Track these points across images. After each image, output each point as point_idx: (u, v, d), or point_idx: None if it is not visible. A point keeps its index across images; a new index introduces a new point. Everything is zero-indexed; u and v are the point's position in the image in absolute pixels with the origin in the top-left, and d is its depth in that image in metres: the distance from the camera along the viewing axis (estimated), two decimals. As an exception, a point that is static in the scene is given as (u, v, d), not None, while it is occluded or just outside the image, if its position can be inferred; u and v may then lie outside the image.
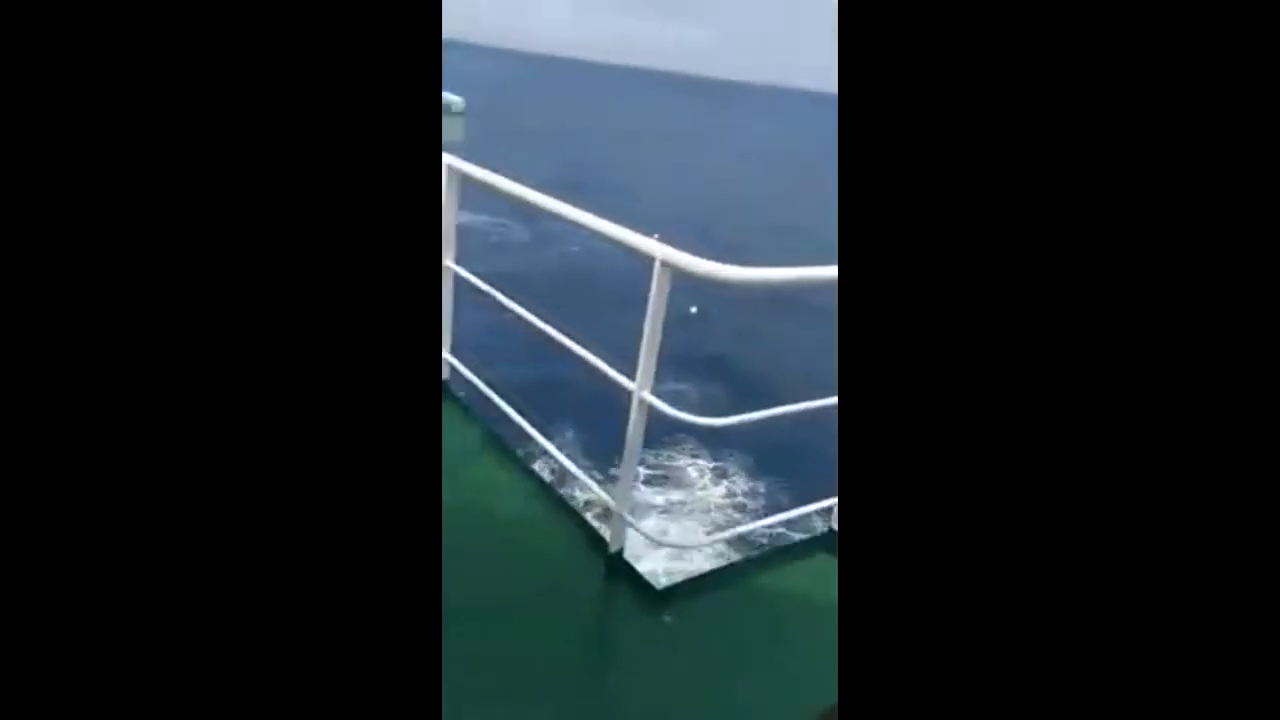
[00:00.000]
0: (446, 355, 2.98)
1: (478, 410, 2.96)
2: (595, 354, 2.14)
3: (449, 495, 2.35)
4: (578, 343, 2.23)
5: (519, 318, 2.50)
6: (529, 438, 2.65)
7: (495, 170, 2.51)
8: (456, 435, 2.77)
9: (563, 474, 2.46)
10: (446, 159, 2.66)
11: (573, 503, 2.44)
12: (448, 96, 3.32)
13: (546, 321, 2.37)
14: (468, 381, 2.94)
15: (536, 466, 2.64)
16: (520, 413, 2.61)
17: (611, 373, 2.03)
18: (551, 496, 2.40)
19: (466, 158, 2.65)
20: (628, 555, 2.12)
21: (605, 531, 2.24)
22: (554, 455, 2.39)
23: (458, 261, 2.81)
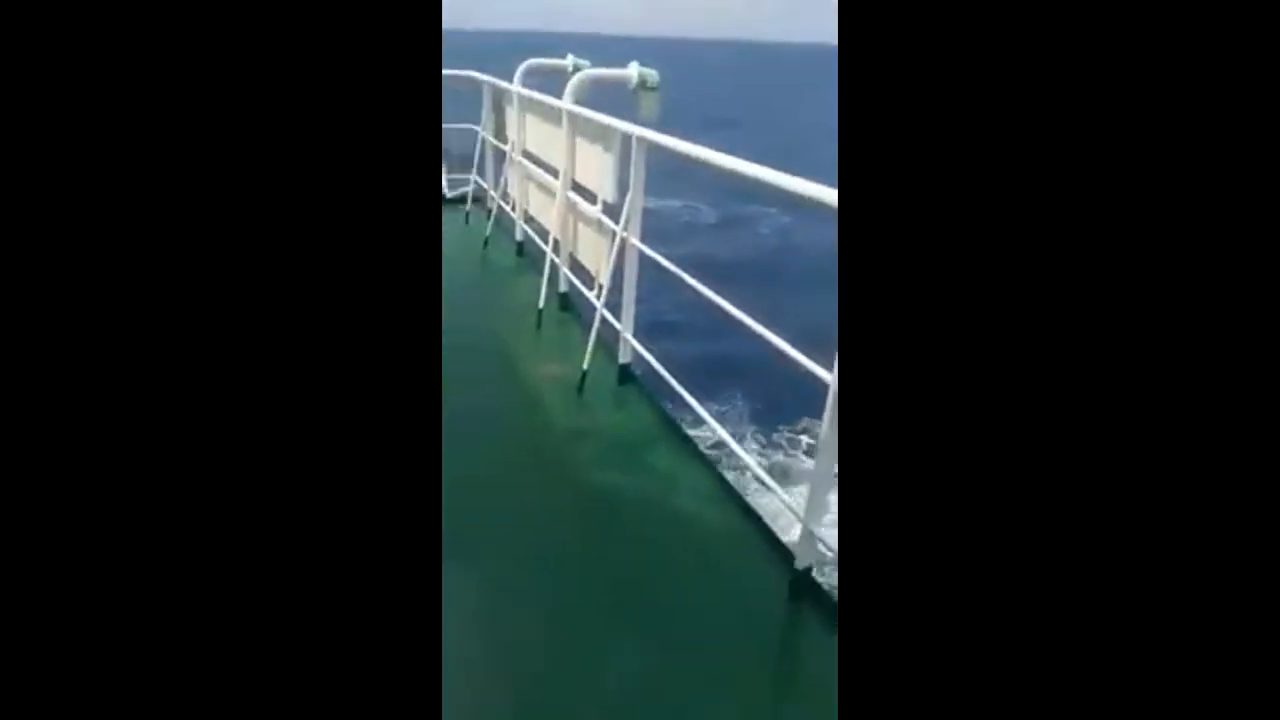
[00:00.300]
0: (626, 336, 2.89)
1: (656, 393, 2.84)
2: (783, 339, 1.92)
3: (625, 480, 2.20)
4: (764, 325, 2.01)
5: (700, 296, 2.32)
6: (705, 424, 2.50)
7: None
8: (634, 419, 2.68)
9: (740, 467, 2.25)
10: (635, 130, 2.56)
11: (750, 498, 2.23)
12: (644, 70, 3.22)
13: (733, 303, 2.19)
14: (646, 362, 2.85)
15: (713, 456, 2.47)
16: (698, 399, 2.47)
17: (806, 362, 1.80)
18: (731, 495, 2.22)
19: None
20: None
21: (773, 517, 2.04)
22: (739, 455, 2.19)
23: (643, 240, 2.72)
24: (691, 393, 2.49)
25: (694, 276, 2.37)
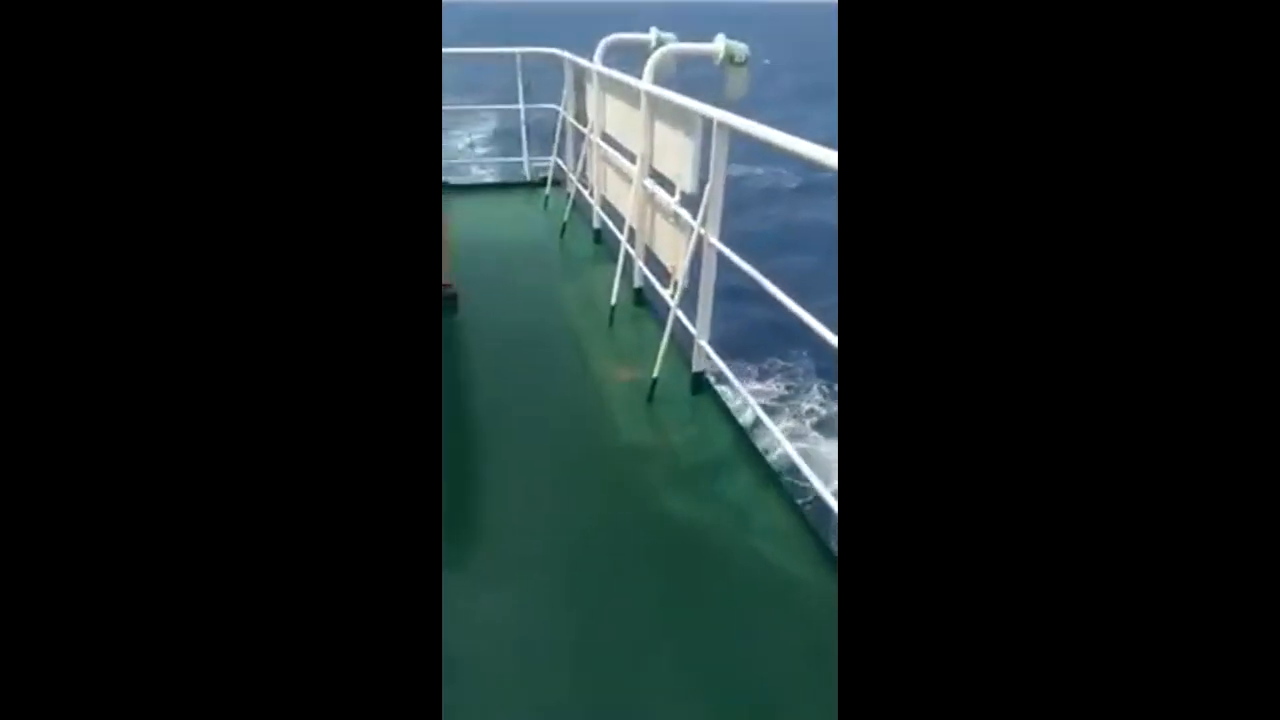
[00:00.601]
0: (702, 343, 2.58)
1: (731, 405, 2.54)
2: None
3: (693, 509, 2.04)
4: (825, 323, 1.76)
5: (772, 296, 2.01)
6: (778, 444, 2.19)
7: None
8: (706, 437, 2.38)
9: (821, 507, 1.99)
10: (716, 114, 2.22)
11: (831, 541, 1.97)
12: (731, 43, 2.84)
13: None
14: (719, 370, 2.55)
15: (788, 483, 2.17)
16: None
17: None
18: (810, 535, 1.93)
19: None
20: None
21: None
22: (818, 491, 1.92)
23: (724, 233, 2.38)
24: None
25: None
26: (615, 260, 3.37)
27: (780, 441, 2.20)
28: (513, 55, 4.93)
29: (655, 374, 2.59)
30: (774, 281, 2.05)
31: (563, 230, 4.34)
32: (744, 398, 2.49)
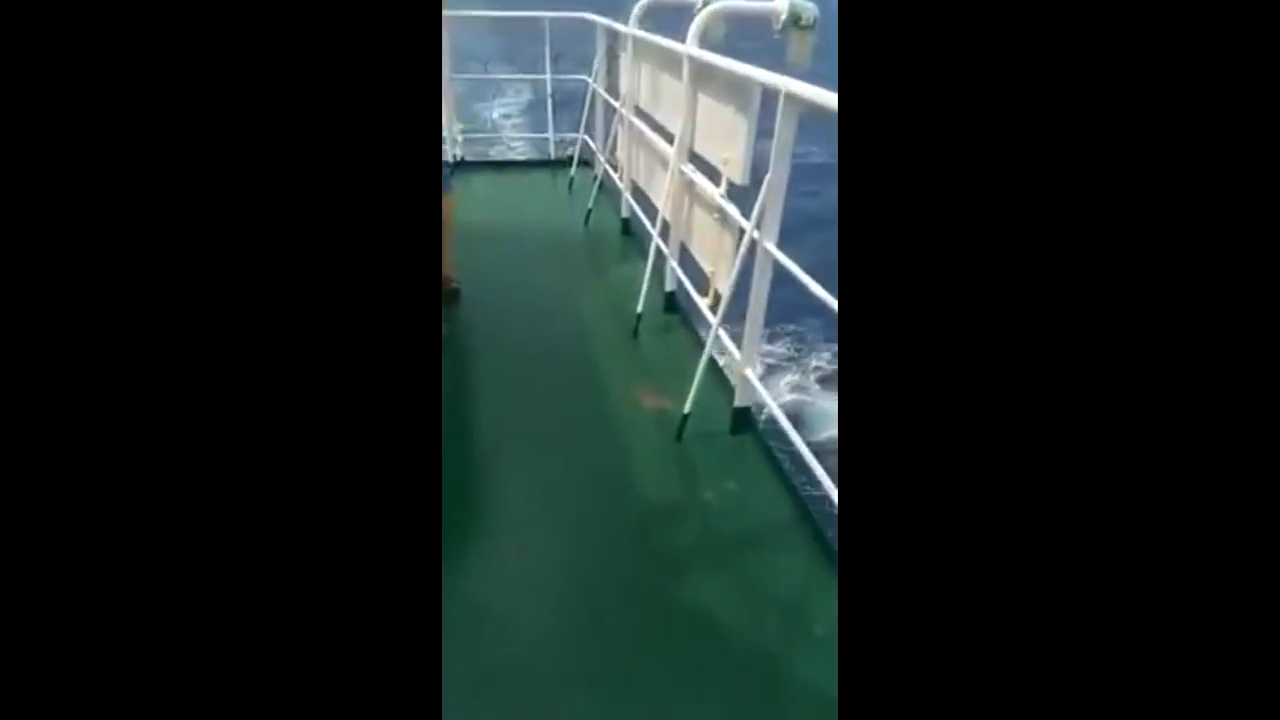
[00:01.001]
0: (749, 374, 2.05)
1: (777, 449, 2.04)
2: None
3: (729, 597, 1.62)
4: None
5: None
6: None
7: None
8: (749, 494, 1.87)
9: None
10: (784, 83, 1.68)
11: None
12: (797, 2, 2.27)
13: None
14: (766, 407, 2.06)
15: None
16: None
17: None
18: None
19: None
20: None
21: None
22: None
23: (781, 247, 1.85)
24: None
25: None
26: (645, 257, 2.84)
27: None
28: (540, 20, 4.37)
29: (688, 408, 2.07)
30: (813, 274, 1.61)
31: (587, 218, 3.80)
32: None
